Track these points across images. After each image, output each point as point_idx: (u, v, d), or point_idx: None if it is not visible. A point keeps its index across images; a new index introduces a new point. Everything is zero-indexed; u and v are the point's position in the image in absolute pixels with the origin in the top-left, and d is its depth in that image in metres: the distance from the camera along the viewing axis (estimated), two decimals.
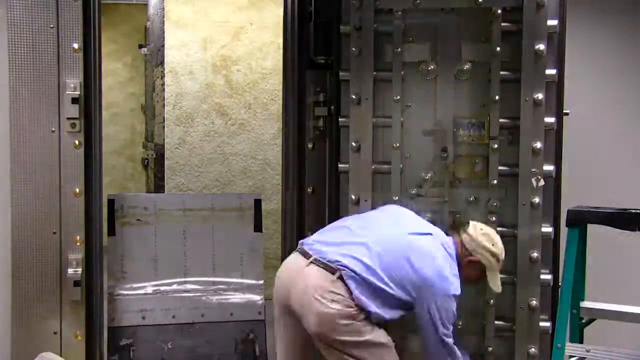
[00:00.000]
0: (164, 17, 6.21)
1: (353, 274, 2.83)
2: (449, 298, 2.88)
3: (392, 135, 3.42)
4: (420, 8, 3.37)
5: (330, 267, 2.85)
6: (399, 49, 3.41)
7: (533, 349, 3.35)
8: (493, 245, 3.04)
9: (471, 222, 3.11)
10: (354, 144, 3.37)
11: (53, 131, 3.25)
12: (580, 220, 3.17)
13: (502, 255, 3.07)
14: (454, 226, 3.21)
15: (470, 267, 3.05)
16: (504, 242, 3.43)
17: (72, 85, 3.24)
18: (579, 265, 3.20)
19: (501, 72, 3.35)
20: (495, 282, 3.08)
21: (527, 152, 3.29)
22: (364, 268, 2.84)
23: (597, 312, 3.20)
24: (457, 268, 2.96)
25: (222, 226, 3.88)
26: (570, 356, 3.19)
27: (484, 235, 3.05)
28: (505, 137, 3.37)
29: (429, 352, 2.94)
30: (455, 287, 2.90)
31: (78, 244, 3.28)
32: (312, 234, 3.51)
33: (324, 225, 3.41)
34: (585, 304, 3.24)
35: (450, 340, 2.91)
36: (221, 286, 3.84)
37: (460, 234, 3.08)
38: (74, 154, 3.27)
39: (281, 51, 3.70)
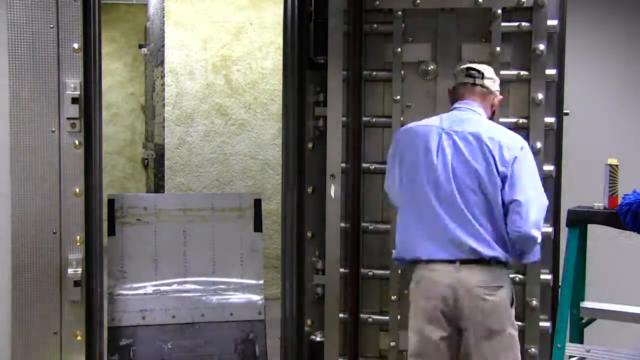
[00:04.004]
0: (164, 17, 6.22)
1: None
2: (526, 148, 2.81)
3: (392, 135, 3.42)
4: (420, 8, 3.38)
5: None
6: (399, 49, 3.41)
7: (533, 349, 3.35)
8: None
9: (473, 68, 2.99)
10: None
11: (53, 131, 3.24)
12: (580, 220, 3.17)
13: None
14: (461, 90, 3.00)
15: (497, 104, 3.05)
16: None
17: (72, 85, 3.23)
18: (579, 265, 3.20)
19: (501, 72, 3.35)
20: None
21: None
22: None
23: (597, 312, 3.20)
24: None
25: (222, 226, 3.88)
26: (570, 356, 3.19)
27: (489, 71, 3.00)
28: None
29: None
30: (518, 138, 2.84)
31: (78, 244, 3.28)
32: (311, 235, 3.52)
33: (324, 225, 3.41)
34: (585, 304, 3.24)
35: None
36: (221, 286, 3.84)
37: (479, 86, 2.96)
38: (74, 154, 3.26)
39: (281, 51, 3.70)
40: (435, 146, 2.83)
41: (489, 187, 2.75)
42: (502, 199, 2.75)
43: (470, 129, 2.82)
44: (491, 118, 3.01)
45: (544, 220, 2.86)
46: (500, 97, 3.04)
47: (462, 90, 2.97)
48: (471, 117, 2.89)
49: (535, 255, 2.83)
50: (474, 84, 2.95)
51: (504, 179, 2.75)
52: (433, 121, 2.94)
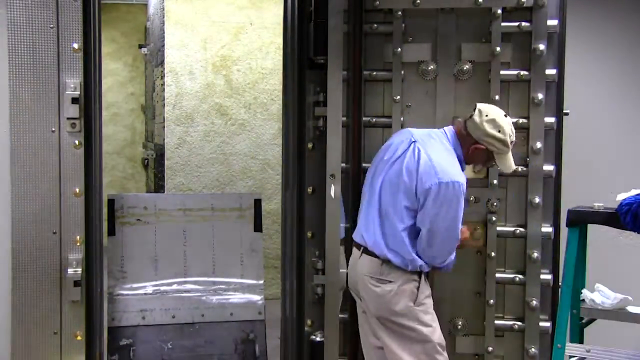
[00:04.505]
0: (164, 17, 6.22)
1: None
2: (450, 186, 2.88)
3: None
4: (420, 8, 3.37)
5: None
6: (399, 49, 3.41)
7: (533, 349, 3.35)
8: (499, 131, 2.96)
9: (478, 107, 3.02)
10: None
11: (53, 131, 3.24)
12: (580, 220, 3.17)
13: (511, 138, 3.00)
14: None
15: (478, 154, 3.03)
16: (504, 242, 3.44)
17: (72, 85, 3.23)
18: (579, 265, 3.20)
19: (501, 72, 3.35)
20: (505, 164, 3.04)
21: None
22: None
23: (597, 312, 3.20)
24: (456, 160, 2.99)
25: (222, 226, 3.88)
26: (570, 356, 3.19)
27: (489, 122, 2.96)
28: None
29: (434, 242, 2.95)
30: (453, 175, 2.91)
31: (78, 244, 3.28)
32: (311, 235, 3.53)
33: (324, 225, 3.41)
34: (585, 304, 3.24)
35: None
36: (221, 286, 3.84)
37: (465, 121, 3.04)
38: (74, 154, 3.26)
39: (281, 51, 3.70)
40: (399, 150, 3.04)
41: (405, 202, 2.96)
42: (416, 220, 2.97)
43: (422, 147, 2.98)
44: (467, 162, 3.07)
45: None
46: (482, 147, 3.00)
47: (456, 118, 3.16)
48: (436, 140, 3.04)
49: (445, 269, 3.12)
50: (458, 118, 3.11)
51: (420, 202, 2.93)
52: (415, 131, 3.13)
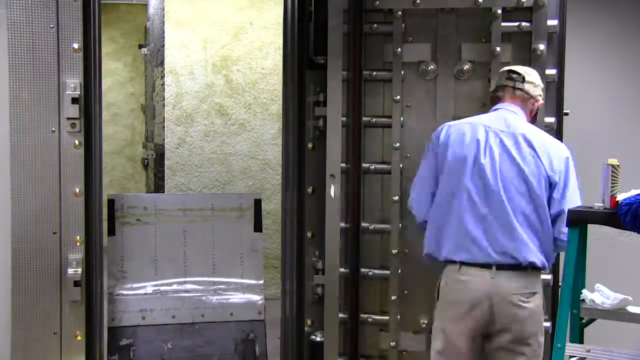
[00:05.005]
0: (164, 17, 6.22)
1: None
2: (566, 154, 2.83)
3: (392, 135, 3.43)
4: (420, 8, 3.38)
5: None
6: (399, 49, 3.41)
7: None
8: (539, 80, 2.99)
9: (516, 70, 2.94)
10: None
11: (53, 131, 3.25)
12: (580, 220, 3.16)
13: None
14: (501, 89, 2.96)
15: (538, 111, 3.02)
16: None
17: (72, 85, 3.23)
18: (579, 265, 3.20)
19: None
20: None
21: None
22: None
23: (597, 312, 3.20)
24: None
25: (222, 226, 3.88)
26: (570, 356, 3.19)
27: (537, 76, 2.97)
28: None
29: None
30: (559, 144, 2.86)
31: (78, 244, 3.28)
32: (311, 235, 3.53)
33: (324, 225, 3.41)
34: (585, 304, 3.23)
35: None
36: (221, 286, 3.84)
37: (517, 88, 2.91)
38: (74, 154, 3.27)
39: (281, 51, 3.71)
40: (483, 143, 2.77)
41: (537, 191, 2.74)
42: (548, 205, 2.77)
43: (518, 130, 2.80)
44: (531, 122, 2.95)
45: None
46: (542, 102, 2.99)
47: (503, 93, 2.94)
48: (515, 118, 2.85)
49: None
50: (515, 87, 2.92)
51: (551, 185, 2.77)
52: (477, 119, 2.88)
